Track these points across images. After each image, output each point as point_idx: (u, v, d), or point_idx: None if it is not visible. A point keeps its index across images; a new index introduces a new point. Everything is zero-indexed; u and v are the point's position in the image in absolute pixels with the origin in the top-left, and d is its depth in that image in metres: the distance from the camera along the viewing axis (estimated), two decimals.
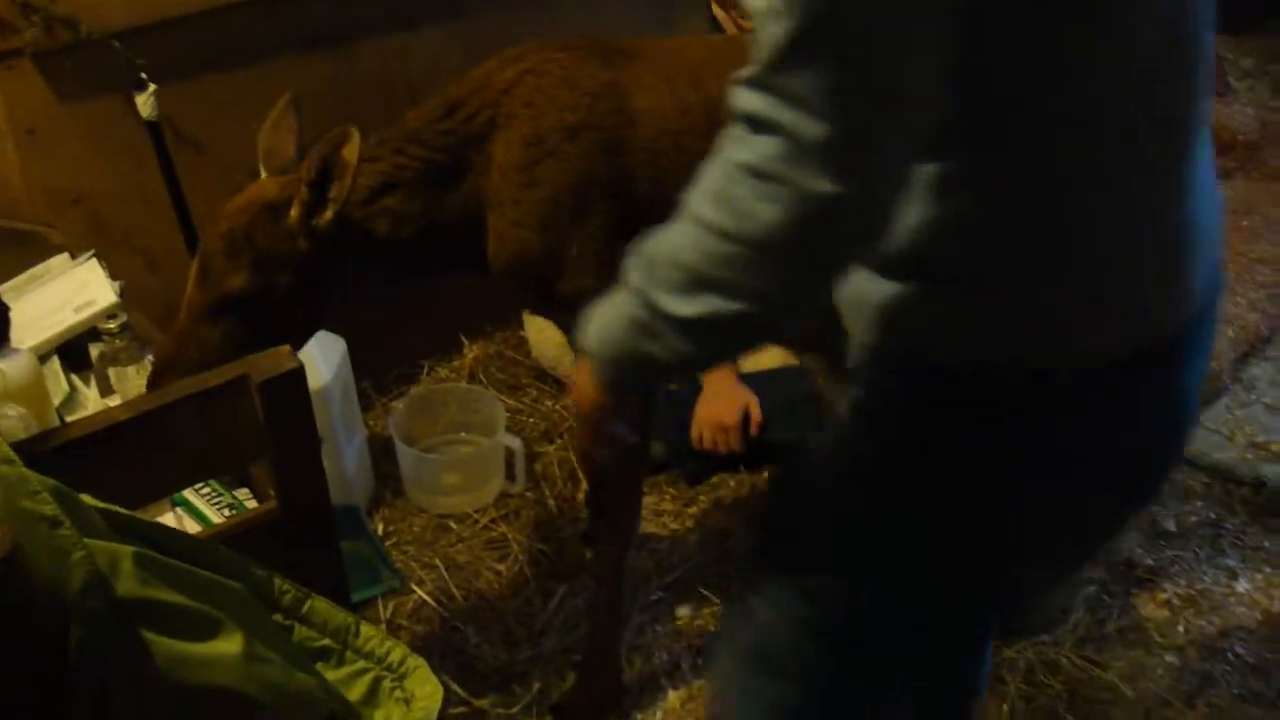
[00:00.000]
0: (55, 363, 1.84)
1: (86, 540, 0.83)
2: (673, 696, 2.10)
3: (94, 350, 1.81)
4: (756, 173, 0.90)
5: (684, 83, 1.75)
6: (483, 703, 2.08)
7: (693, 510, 2.50)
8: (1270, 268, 2.98)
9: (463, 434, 2.65)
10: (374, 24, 2.50)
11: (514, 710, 2.07)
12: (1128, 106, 0.97)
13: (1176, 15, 0.98)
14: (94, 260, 1.99)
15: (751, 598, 1.27)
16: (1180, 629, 2.18)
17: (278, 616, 1.07)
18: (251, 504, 1.65)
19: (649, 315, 1.00)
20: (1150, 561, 2.31)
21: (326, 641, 1.09)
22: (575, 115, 1.71)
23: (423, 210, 1.75)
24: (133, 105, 2.19)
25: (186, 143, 2.32)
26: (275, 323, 1.68)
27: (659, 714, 2.07)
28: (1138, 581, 2.27)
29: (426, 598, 2.30)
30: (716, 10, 2.80)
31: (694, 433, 2.45)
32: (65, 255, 2.05)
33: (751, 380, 2.47)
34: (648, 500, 2.46)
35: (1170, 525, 2.39)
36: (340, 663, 1.10)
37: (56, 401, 1.73)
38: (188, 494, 1.66)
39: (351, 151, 1.58)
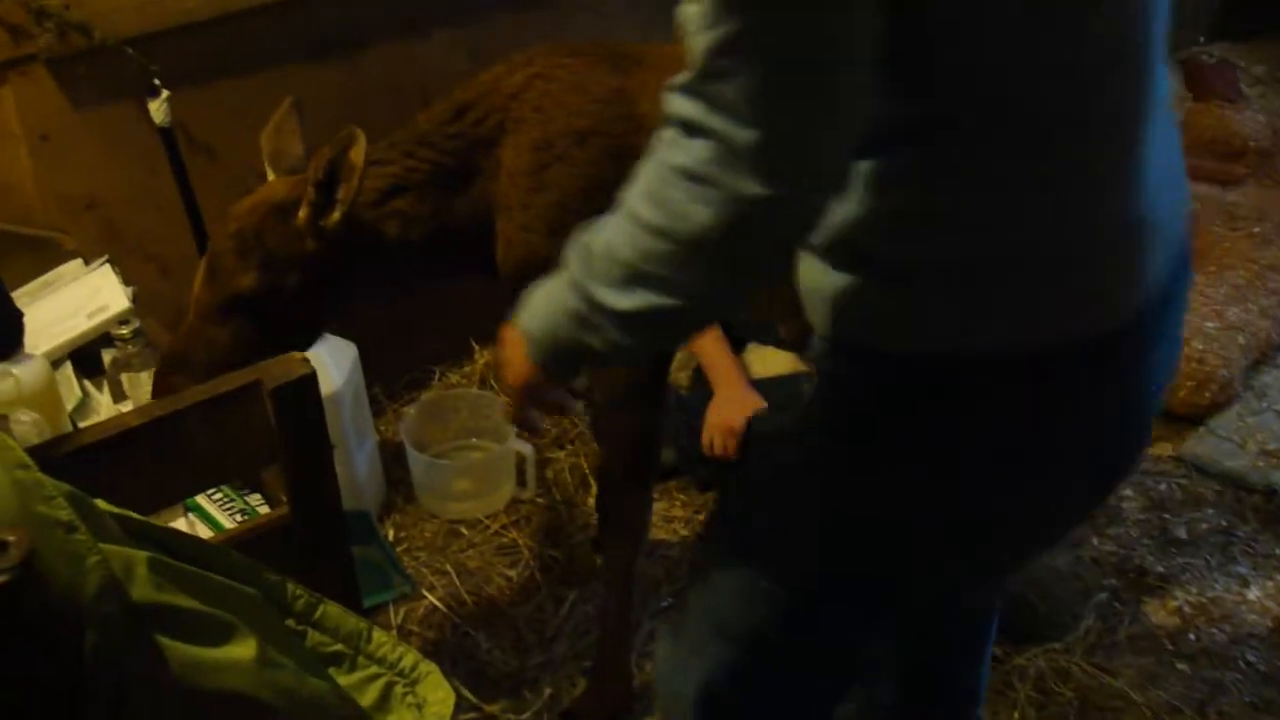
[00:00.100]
0: (68, 368, 1.85)
1: (101, 545, 0.83)
2: None
3: (107, 356, 1.81)
4: (690, 175, 0.93)
5: None
6: (494, 708, 2.08)
7: (703, 517, 2.49)
8: None
9: (474, 440, 2.66)
10: (383, 30, 2.51)
11: (525, 716, 2.07)
12: (1075, 101, 0.98)
13: (1126, 9, 0.98)
14: (107, 266, 2.00)
15: (711, 568, 1.32)
16: (1191, 637, 2.17)
17: (290, 622, 1.07)
18: (263, 509, 1.66)
19: (587, 308, 1.03)
20: (1161, 569, 2.30)
21: (339, 647, 1.09)
22: (584, 120, 1.72)
23: (432, 213, 1.76)
24: (146, 111, 2.20)
25: (199, 149, 2.33)
26: (283, 323, 1.69)
27: None
28: (1149, 589, 2.26)
29: (437, 603, 2.30)
30: None
31: (705, 439, 2.44)
32: (78, 261, 2.06)
33: (761, 386, 2.47)
34: (658, 506, 2.46)
35: (1181, 533, 2.38)
36: (352, 668, 1.10)
37: (69, 407, 1.74)
38: (200, 499, 1.66)
39: (358, 153, 1.59)
